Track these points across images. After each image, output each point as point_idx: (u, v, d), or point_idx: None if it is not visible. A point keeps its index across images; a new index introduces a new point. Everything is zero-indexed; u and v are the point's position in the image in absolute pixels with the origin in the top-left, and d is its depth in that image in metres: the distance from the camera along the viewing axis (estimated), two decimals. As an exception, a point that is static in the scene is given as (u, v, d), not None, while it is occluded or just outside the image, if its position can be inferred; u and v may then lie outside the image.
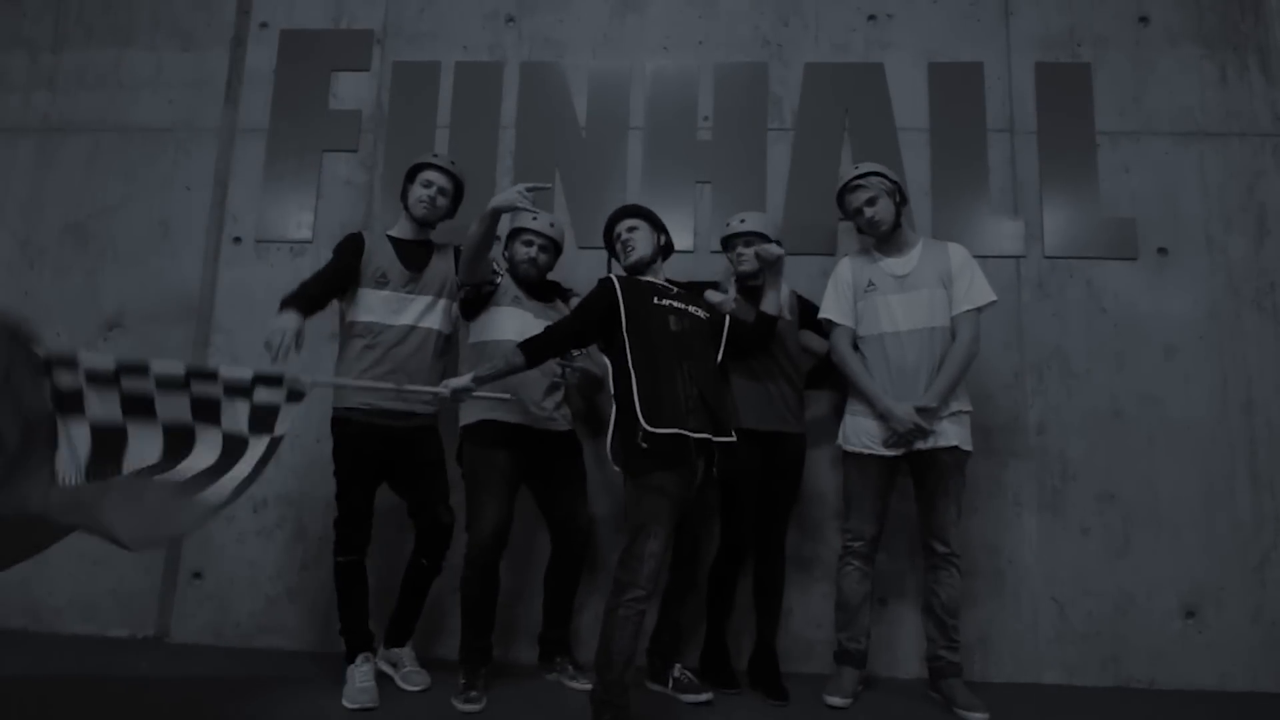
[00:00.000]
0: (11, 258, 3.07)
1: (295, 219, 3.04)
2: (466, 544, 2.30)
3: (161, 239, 3.06)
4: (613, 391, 2.07)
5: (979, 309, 2.35)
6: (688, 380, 2.04)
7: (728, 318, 2.29)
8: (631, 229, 2.30)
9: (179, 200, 3.08)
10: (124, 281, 3.03)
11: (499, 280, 2.47)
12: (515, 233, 2.52)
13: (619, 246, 2.32)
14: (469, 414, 2.39)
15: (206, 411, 1.84)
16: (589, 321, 2.16)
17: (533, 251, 2.47)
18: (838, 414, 2.52)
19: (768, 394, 2.46)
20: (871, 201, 2.40)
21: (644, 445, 1.94)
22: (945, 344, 2.33)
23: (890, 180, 2.44)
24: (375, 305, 2.36)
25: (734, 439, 2.13)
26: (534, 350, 2.14)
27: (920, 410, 2.25)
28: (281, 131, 3.10)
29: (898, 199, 2.44)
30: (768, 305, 2.31)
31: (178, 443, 1.81)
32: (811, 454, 2.60)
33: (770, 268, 2.29)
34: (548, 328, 2.20)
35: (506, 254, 2.56)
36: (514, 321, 2.40)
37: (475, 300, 2.44)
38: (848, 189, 2.46)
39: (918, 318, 2.34)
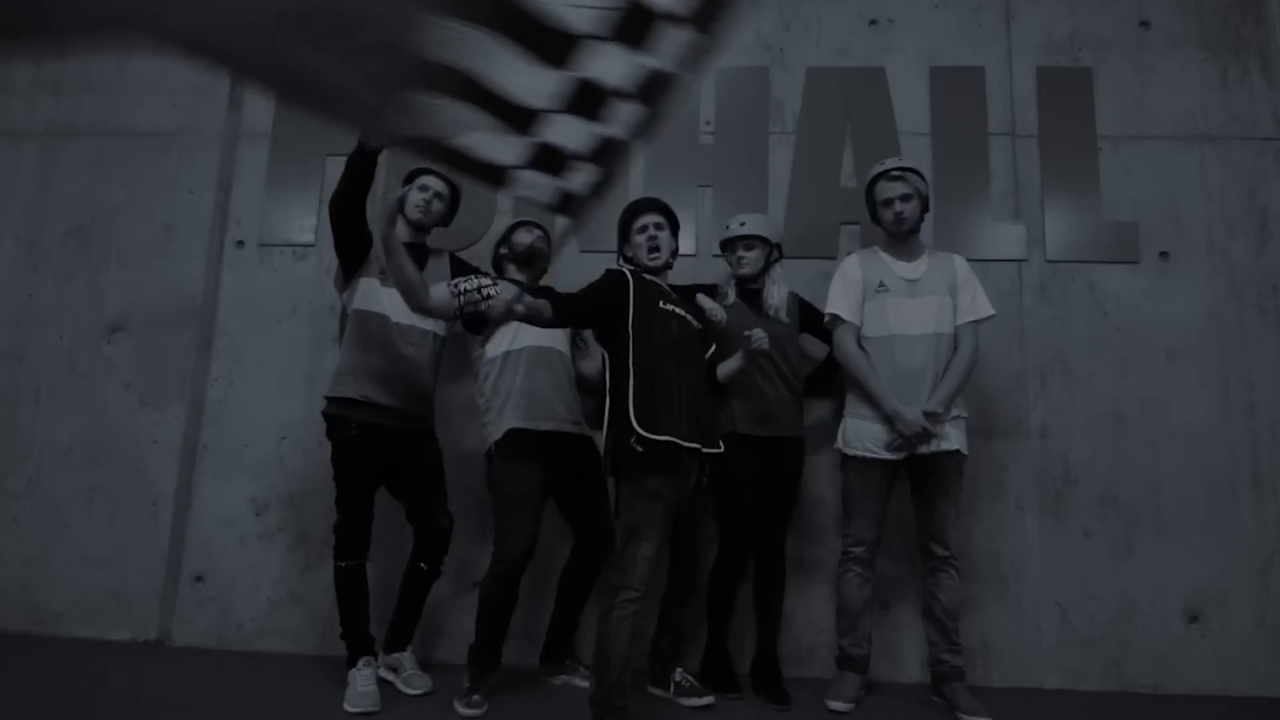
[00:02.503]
0: (15, 261, 3.08)
1: (298, 223, 3.04)
2: (493, 558, 2.29)
3: (165, 242, 3.06)
4: (608, 385, 2.06)
5: (979, 321, 2.38)
6: (683, 388, 2.03)
7: (714, 345, 2.30)
8: (660, 226, 2.24)
9: (182, 204, 3.08)
10: (127, 285, 3.03)
11: (495, 293, 2.41)
12: (514, 227, 2.57)
13: (643, 240, 2.21)
14: (498, 428, 2.34)
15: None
16: (598, 305, 2.10)
17: (539, 232, 2.56)
18: (838, 417, 2.51)
19: (766, 399, 2.45)
20: (906, 197, 2.40)
21: (639, 449, 1.93)
22: (949, 351, 2.34)
23: (924, 184, 2.45)
24: (379, 297, 2.37)
25: (721, 450, 2.12)
26: (560, 311, 1.99)
27: (927, 414, 2.26)
28: (284, 135, 3.10)
29: (924, 205, 2.45)
30: (722, 371, 2.31)
31: None
32: (811, 458, 2.60)
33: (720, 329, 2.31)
34: (565, 295, 2.11)
35: (504, 249, 2.57)
36: (532, 329, 2.30)
37: (478, 316, 2.34)
38: (886, 176, 2.43)
39: (926, 323, 2.34)
